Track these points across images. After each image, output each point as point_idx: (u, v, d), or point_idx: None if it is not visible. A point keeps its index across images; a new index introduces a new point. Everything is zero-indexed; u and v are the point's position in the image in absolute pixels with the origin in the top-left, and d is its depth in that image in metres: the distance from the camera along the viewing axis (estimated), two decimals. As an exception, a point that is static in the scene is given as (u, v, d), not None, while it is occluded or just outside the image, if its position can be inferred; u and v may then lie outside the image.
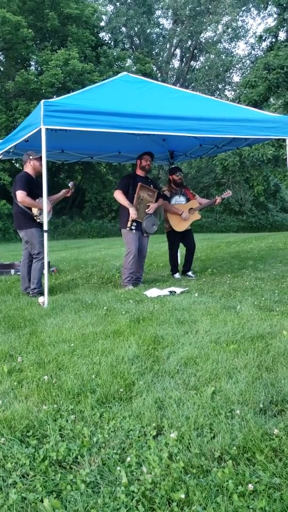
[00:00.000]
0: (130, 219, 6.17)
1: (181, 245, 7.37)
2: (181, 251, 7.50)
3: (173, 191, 7.10)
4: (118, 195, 6.29)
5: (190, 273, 7.16)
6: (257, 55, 29.40)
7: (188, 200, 7.11)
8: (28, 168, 5.92)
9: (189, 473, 1.92)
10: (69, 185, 6.36)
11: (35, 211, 5.73)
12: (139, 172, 6.46)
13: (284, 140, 6.63)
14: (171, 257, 7.31)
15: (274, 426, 2.23)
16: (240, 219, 29.88)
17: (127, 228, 6.22)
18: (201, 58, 35.73)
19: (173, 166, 8.07)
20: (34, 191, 5.75)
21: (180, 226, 7.01)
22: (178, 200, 7.06)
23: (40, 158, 5.73)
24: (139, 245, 6.33)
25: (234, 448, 2.06)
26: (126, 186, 6.30)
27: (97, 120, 5.19)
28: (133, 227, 6.22)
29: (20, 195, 5.67)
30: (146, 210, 6.30)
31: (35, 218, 5.75)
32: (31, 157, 5.88)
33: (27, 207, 5.74)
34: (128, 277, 6.26)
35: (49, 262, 7.25)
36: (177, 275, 7.15)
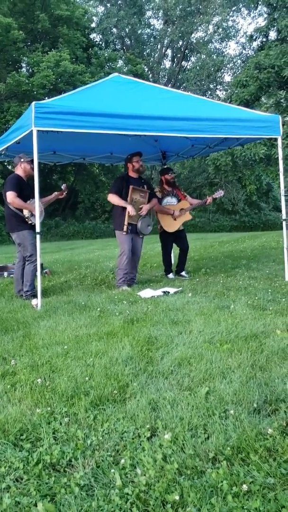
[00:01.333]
0: (127, 218, 6.13)
1: (174, 245, 7.37)
2: (174, 251, 7.50)
3: (165, 192, 7.08)
4: (113, 198, 6.24)
5: (183, 273, 7.16)
6: (248, 55, 29.45)
7: (179, 201, 7.11)
8: (19, 171, 5.91)
9: (183, 474, 1.91)
10: (62, 187, 6.34)
11: (26, 212, 5.71)
12: (132, 174, 6.43)
13: (276, 139, 6.66)
14: (164, 258, 7.31)
15: (268, 426, 2.23)
16: (233, 219, 30.01)
17: (123, 233, 6.20)
18: (192, 58, 35.84)
19: (164, 166, 8.07)
20: (24, 193, 5.73)
21: (171, 227, 7.00)
22: (170, 201, 7.05)
23: (30, 161, 5.72)
24: (133, 246, 6.31)
25: (228, 448, 2.05)
26: (119, 189, 6.25)
27: (89, 122, 5.19)
28: (129, 231, 6.20)
29: (10, 196, 5.65)
30: (139, 212, 6.28)
31: (26, 220, 5.73)
32: (22, 159, 5.87)
33: (19, 209, 5.72)
34: (123, 277, 6.25)
35: (42, 264, 7.23)
36: (170, 275, 7.15)
